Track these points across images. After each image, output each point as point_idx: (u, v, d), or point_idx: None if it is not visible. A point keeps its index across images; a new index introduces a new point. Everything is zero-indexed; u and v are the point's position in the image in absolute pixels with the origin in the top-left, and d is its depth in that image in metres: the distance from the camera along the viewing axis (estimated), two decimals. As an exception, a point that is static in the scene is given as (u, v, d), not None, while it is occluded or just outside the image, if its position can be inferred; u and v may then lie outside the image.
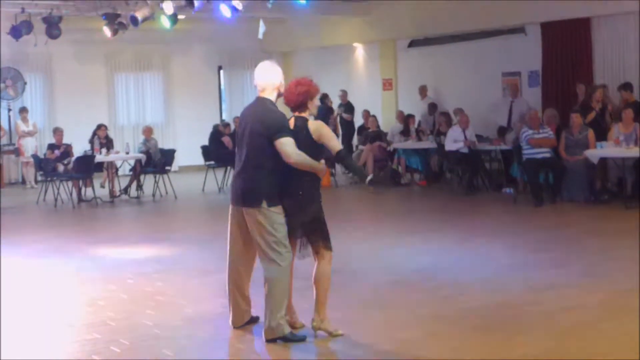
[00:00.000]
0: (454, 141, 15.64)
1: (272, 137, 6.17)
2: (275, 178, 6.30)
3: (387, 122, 19.74)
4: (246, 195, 6.34)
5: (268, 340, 6.35)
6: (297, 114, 6.46)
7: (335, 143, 6.40)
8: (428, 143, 17.26)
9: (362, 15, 20.16)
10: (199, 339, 6.70)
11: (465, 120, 15.85)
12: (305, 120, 6.41)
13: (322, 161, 6.39)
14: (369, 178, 6.87)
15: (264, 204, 6.26)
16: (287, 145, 6.15)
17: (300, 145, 6.23)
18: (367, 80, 21.77)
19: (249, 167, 6.33)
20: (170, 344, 6.50)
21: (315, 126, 6.37)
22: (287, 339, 6.35)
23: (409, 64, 20.55)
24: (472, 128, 16.00)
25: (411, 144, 17.66)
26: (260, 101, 6.42)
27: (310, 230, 6.44)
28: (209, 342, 6.65)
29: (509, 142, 15.40)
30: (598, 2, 15.51)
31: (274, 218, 6.30)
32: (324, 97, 19.24)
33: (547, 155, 13.85)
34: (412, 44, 20.43)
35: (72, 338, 6.79)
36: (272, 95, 6.42)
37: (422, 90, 19.41)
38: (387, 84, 21.10)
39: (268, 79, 6.40)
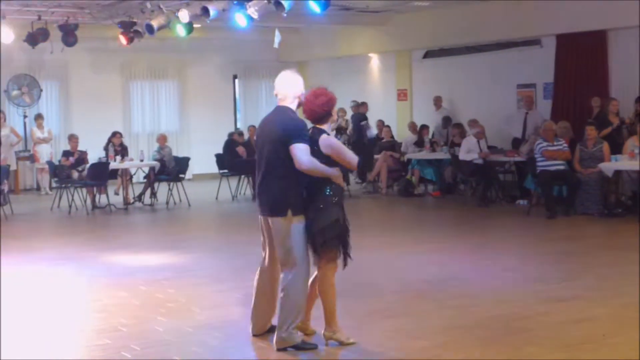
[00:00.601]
0: (468, 151, 15.64)
1: (289, 142, 6.16)
2: (299, 187, 6.32)
3: (402, 133, 19.75)
4: (272, 205, 6.36)
5: (279, 349, 6.36)
6: (318, 125, 6.45)
7: (350, 157, 6.40)
8: (442, 154, 17.27)
9: (377, 26, 20.18)
10: (210, 345, 6.71)
11: (481, 130, 15.85)
12: (322, 132, 6.40)
13: (336, 168, 6.33)
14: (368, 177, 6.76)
15: (289, 213, 6.28)
16: (299, 151, 6.14)
17: (315, 155, 6.21)
18: (382, 90, 21.79)
19: (272, 177, 6.34)
20: (180, 350, 6.52)
21: (328, 143, 6.35)
22: (299, 347, 6.37)
23: (424, 74, 20.56)
24: (485, 139, 16.00)
25: (425, 154, 17.66)
26: (281, 109, 6.43)
27: (327, 239, 6.34)
28: (220, 349, 6.66)
29: (523, 154, 15.38)
30: (614, 14, 15.46)
31: (297, 227, 6.30)
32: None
33: (562, 167, 13.83)
34: (428, 54, 20.45)
35: (83, 343, 6.83)
36: (292, 105, 6.44)
37: (437, 101, 19.42)
38: (402, 95, 21.11)
39: (289, 88, 6.43)
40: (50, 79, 20.75)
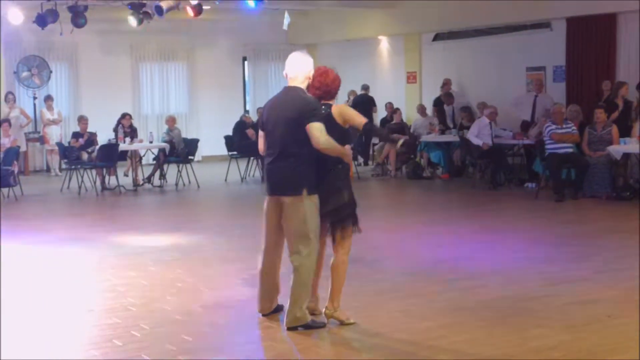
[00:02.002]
0: (478, 133, 15.65)
1: (304, 122, 6.20)
2: (312, 165, 6.36)
3: (411, 116, 19.74)
4: (287, 184, 6.38)
5: (289, 329, 6.42)
6: (323, 101, 6.52)
7: (360, 119, 6.46)
8: (451, 137, 17.27)
9: (387, 8, 20.15)
10: (218, 324, 6.78)
11: (494, 111, 15.85)
12: (330, 106, 6.52)
13: (348, 146, 6.43)
14: (400, 142, 6.91)
15: (305, 192, 6.32)
16: (317, 130, 6.18)
17: (329, 132, 6.26)
18: (391, 73, 21.76)
19: (287, 157, 6.36)
20: (189, 329, 6.58)
21: (338, 110, 6.50)
22: (308, 326, 6.43)
23: (433, 57, 20.53)
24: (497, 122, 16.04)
25: (434, 137, 17.67)
26: (292, 90, 6.45)
27: (343, 217, 6.47)
28: (228, 328, 6.74)
29: (532, 136, 15.38)
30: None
31: (312, 207, 6.36)
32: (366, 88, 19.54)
33: (570, 150, 13.83)
34: (437, 37, 20.41)
35: (93, 323, 6.88)
36: (303, 85, 6.48)
37: (446, 84, 19.38)
38: (412, 77, 21.09)
39: (300, 69, 6.46)
40: (60, 60, 20.79)
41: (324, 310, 6.61)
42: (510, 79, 18.27)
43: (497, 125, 16.26)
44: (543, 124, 14.59)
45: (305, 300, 6.42)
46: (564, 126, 13.88)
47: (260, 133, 6.70)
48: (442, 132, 17.73)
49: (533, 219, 12.07)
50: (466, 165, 17.58)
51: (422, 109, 18.93)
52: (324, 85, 6.52)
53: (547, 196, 13.70)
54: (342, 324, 6.53)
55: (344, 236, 6.51)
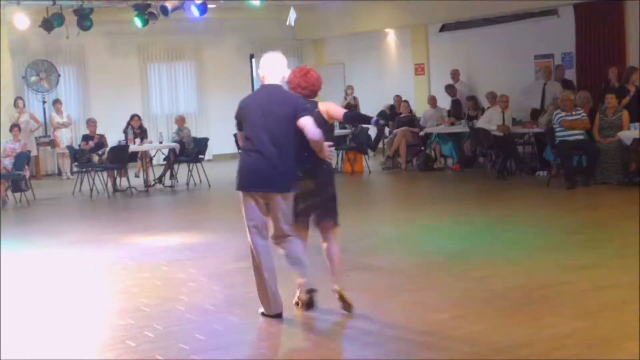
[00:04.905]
0: (489, 121, 15.61)
1: (297, 116, 6.41)
2: (295, 161, 6.57)
3: (420, 107, 19.69)
4: (281, 181, 6.52)
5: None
6: (308, 99, 6.81)
7: (339, 110, 6.92)
8: (460, 127, 17.23)
9: (393, 0, 20.09)
10: (231, 323, 6.78)
11: (505, 100, 15.81)
12: (316, 103, 6.88)
13: (327, 143, 6.61)
14: (374, 118, 7.06)
15: (291, 188, 6.56)
16: (310, 123, 6.42)
17: (318, 127, 6.51)
18: (399, 65, 21.72)
19: (280, 154, 6.46)
20: (202, 328, 6.58)
21: (325, 107, 6.88)
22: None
23: (440, 48, 20.49)
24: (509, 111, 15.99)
25: (444, 128, 17.62)
26: (274, 87, 6.65)
27: (329, 209, 6.84)
28: (241, 326, 6.72)
29: (542, 124, 15.32)
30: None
31: (292, 200, 6.64)
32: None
33: (581, 137, 13.75)
34: (444, 28, 20.35)
35: (106, 324, 6.88)
36: (281, 84, 6.74)
37: (455, 75, 19.33)
38: (419, 69, 21.05)
39: (278, 69, 6.71)
40: (68, 63, 20.82)
41: (337, 290, 6.76)
42: (519, 68, 18.21)
43: (510, 114, 16.17)
44: (552, 111, 14.52)
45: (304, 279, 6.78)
46: (574, 113, 13.81)
47: (239, 134, 6.84)
48: (452, 124, 17.68)
49: (545, 207, 12.02)
50: (477, 156, 17.53)
51: (432, 101, 18.86)
52: (310, 85, 6.87)
53: (559, 184, 13.64)
54: (347, 301, 6.72)
55: (329, 228, 6.85)
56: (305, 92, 6.83)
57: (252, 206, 6.63)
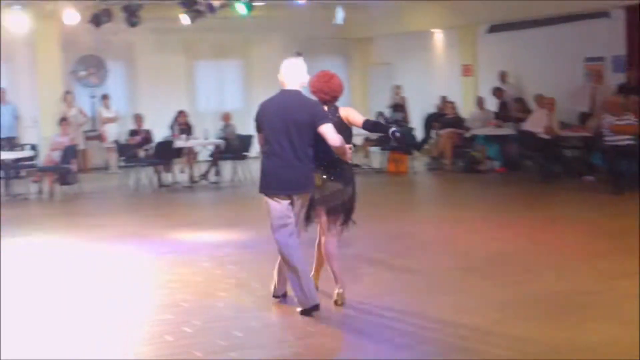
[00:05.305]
0: (535, 124, 15.47)
1: (317, 123, 6.61)
2: (314, 163, 6.83)
3: (467, 109, 19.56)
4: (304, 183, 6.79)
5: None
6: (329, 104, 6.99)
7: (359, 117, 6.99)
8: (507, 130, 17.08)
9: (442, 0, 19.98)
10: (269, 320, 6.82)
11: (552, 103, 15.65)
12: (337, 107, 7.02)
13: (347, 146, 6.78)
14: (392, 129, 7.07)
15: (310, 189, 6.84)
16: (332, 130, 6.61)
17: (337, 132, 6.68)
18: (446, 66, 21.59)
19: (300, 157, 6.71)
20: (240, 325, 6.61)
21: (345, 112, 7.01)
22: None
23: (489, 49, 20.31)
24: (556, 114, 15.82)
25: (490, 130, 17.48)
26: (294, 93, 6.82)
27: (345, 205, 7.04)
28: (278, 324, 6.76)
29: (590, 128, 15.13)
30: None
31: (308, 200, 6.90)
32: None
33: (630, 142, 13.54)
34: (492, 29, 20.18)
35: (145, 319, 6.95)
36: (300, 89, 6.88)
37: (503, 76, 19.17)
38: (467, 70, 20.90)
39: (298, 75, 6.87)
40: (117, 59, 21.00)
41: (342, 293, 7.03)
42: (568, 70, 17.97)
43: (556, 117, 16.01)
44: (601, 115, 14.33)
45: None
46: (623, 118, 13.61)
47: (259, 135, 7.04)
48: (499, 126, 17.53)
49: (590, 212, 11.85)
50: (523, 159, 17.36)
51: (480, 102, 18.73)
52: (332, 91, 6.99)
53: (606, 189, 13.44)
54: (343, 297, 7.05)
55: (342, 225, 7.12)
56: (326, 97, 6.98)
57: (277, 206, 6.81)
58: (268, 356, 5.96)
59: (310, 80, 7.01)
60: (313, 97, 7.00)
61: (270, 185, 6.82)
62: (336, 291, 7.04)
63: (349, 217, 7.13)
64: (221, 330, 6.48)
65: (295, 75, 6.86)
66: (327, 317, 6.70)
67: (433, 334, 6.23)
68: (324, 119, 6.63)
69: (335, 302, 7.01)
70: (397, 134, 6.93)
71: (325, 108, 6.92)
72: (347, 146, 6.77)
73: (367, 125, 7.01)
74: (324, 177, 6.92)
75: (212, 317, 6.86)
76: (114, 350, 6.15)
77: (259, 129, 6.95)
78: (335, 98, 7.04)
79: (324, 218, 7.05)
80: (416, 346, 6.00)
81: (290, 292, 7.02)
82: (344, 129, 6.86)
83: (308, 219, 7.09)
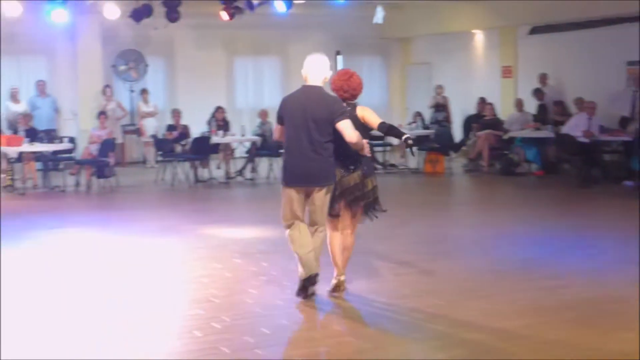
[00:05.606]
0: (574, 127, 15.31)
1: (335, 119, 6.82)
2: (334, 159, 7.01)
3: (505, 110, 19.42)
4: (322, 177, 6.97)
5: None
6: (348, 102, 7.17)
7: (376, 120, 7.17)
8: (545, 132, 16.93)
9: (482, 1, 19.84)
10: (298, 318, 6.82)
11: (592, 107, 15.48)
12: (355, 105, 7.23)
13: (365, 141, 7.02)
14: (405, 136, 7.18)
15: (329, 182, 7.00)
16: (349, 127, 6.84)
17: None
18: (485, 67, 21.45)
19: (318, 152, 6.91)
20: (269, 322, 6.63)
21: (361, 111, 7.20)
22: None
23: (529, 51, 20.14)
24: (596, 118, 15.63)
25: (528, 132, 17.34)
26: (315, 89, 7.02)
27: (365, 198, 7.25)
28: (308, 322, 6.76)
29: (630, 133, 14.94)
30: None
31: (330, 194, 7.07)
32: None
33: (670, 147, 13.37)
34: (534, 30, 20.01)
35: (175, 313, 6.98)
36: (321, 85, 7.08)
37: (543, 79, 18.99)
38: (507, 72, 20.74)
39: (321, 70, 7.06)
40: (156, 54, 21.09)
41: (339, 281, 7.35)
42: (609, 74, 17.76)
43: (596, 121, 15.82)
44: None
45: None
46: (664, 122, 13.44)
47: (277, 126, 7.24)
48: (537, 128, 17.37)
49: (627, 218, 11.66)
50: (561, 162, 17.18)
51: (519, 104, 18.57)
52: (352, 89, 7.21)
53: (645, 195, 13.28)
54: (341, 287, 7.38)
55: (361, 217, 7.37)
56: (346, 95, 7.18)
57: (291, 197, 7.05)
58: (295, 354, 5.96)
59: (331, 78, 7.20)
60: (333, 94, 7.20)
61: (290, 178, 7.05)
62: (342, 278, 7.37)
63: (371, 209, 7.34)
64: (249, 327, 6.50)
65: (317, 71, 7.05)
66: (356, 316, 6.69)
67: (465, 336, 6.19)
68: (342, 115, 6.84)
69: (339, 288, 7.35)
70: (410, 141, 7.07)
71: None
72: (365, 142, 6.98)
73: (382, 128, 7.15)
74: (342, 170, 7.12)
75: (241, 314, 6.88)
76: (143, 344, 6.17)
77: (280, 121, 7.17)
78: (355, 96, 7.25)
79: (343, 210, 7.27)
80: (446, 348, 5.97)
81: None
82: (361, 127, 7.07)
83: (332, 211, 7.25)
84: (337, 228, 7.36)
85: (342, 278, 7.38)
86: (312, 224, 7.17)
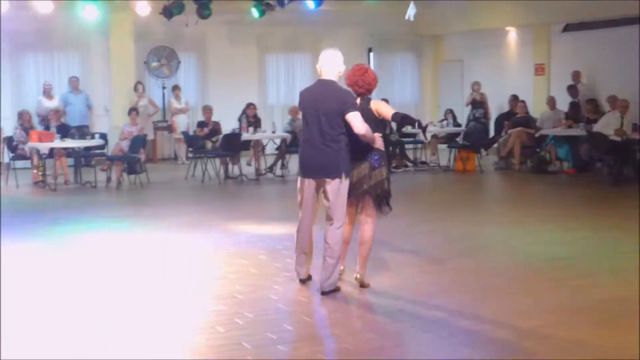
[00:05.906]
0: (606, 125, 15.15)
1: (344, 111, 6.96)
2: (348, 152, 7.12)
3: (537, 108, 19.27)
4: (330, 169, 7.10)
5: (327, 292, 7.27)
6: (363, 96, 7.34)
7: (389, 111, 7.33)
8: (578, 130, 16.76)
9: None
10: (320, 315, 6.82)
11: (625, 105, 15.31)
12: (369, 100, 7.39)
13: (377, 134, 7.22)
14: (425, 124, 7.52)
15: (343, 176, 7.09)
16: (358, 119, 6.99)
17: (366, 122, 7.07)
18: (518, 64, 21.31)
19: (328, 144, 7.07)
20: (292, 319, 6.64)
21: (375, 104, 7.36)
22: (337, 289, 7.34)
23: (562, 49, 19.99)
24: (629, 116, 15.46)
25: (560, 130, 17.19)
26: (329, 83, 7.19)
27: (377, 191, 7.33)
28: (330, 319, 6.74)
29: (664, 132, 14.79)
30: None
31: (345, 187, 7.16)
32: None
33: None
34: (567, 28, 19.84)
35: (199, 309, 6.99)
36: (336, 79, 7.23)
37: (576, 76, 18.82)
38: (540, 69, 20.59)
39: (335, 65, 7.22)
40: (188, 51, 21.17)
41: (361, 278, 7.48)
42: (643, 72, 17.59)
43: (630, 119, 15.65)
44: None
45: (338, 266, 7.38)
46: (697, 121, 13.26)
47: None
48: (570, 126, 17.21)
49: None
50: (594, 161, 17.02)
51: (551, 102, 18.41)
52: (366, 84, 7.33)
53: (678, 194, 13.11)
54: (363, 284, 7.49)
55: (372, 213, 7.41)
56: (361, 90, 7.32)
57: (302, 190, 7.35)
58: (317, 351, 5.93)
59: (346, 73, 7.36)
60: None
61: (304, 170, 7.29)
62: (357, 276, 7.54)
63: (383, 203, 7.41)
64: (272, 323, 6.50)
65: (331, 65, 7.20)
66: (379, 313, 6.67)
67: (491, 334, 6.15)
68: (351, 108, 6.99)
69: (362, 283, 7.50)
70: (423, 126, 7.46)
71: (359, 100, 7.24)
72: (377, 135, 7.16)
73: (396, 118, 7.29)
74: (354, 163, 7.22)
75: (265, 310, 6.88)
76: (166, 338, 6.20)
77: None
78: (369, 91, 7.38)
79: (354, 204, 7.41)
80: (472, 345, 5.94)
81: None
82: (375, 120, 7.26)
83: (353, 205, 7.40)
84: (347, 222, 7.46)
85: (358, 276, 7.53)
86: (328, 218, 7.27)
